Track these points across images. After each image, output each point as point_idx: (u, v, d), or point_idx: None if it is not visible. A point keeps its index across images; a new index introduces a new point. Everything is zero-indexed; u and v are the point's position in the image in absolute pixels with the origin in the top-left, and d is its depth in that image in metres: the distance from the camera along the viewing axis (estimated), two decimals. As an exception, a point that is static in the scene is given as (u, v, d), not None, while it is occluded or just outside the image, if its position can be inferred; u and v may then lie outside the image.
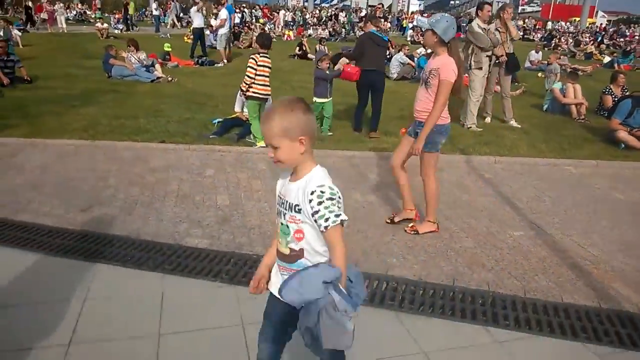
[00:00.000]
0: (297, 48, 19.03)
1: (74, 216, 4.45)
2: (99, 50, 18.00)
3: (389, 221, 4.53)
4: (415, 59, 14.29)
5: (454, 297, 3.43)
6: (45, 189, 5.02)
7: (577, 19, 51.20)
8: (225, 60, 15.87)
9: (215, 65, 15.44)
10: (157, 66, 12.33)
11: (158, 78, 11.62)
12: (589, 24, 49.01)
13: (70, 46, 19.19)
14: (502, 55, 8.27)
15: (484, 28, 8.06)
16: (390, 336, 3.01)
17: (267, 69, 6.53)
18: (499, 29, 8.25)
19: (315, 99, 7.28)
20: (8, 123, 7.16)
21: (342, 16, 37.48)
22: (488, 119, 8.72)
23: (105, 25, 24.67)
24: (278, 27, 32.88)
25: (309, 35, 32.17)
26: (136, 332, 2.89)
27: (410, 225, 4.38)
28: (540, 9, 73.45)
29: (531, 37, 34.98)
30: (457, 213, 4.87)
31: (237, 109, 7.67)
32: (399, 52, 14.06)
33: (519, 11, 73.50)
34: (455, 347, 2.93)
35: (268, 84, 6.55)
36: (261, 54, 6.57)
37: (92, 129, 7.04)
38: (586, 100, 9.57)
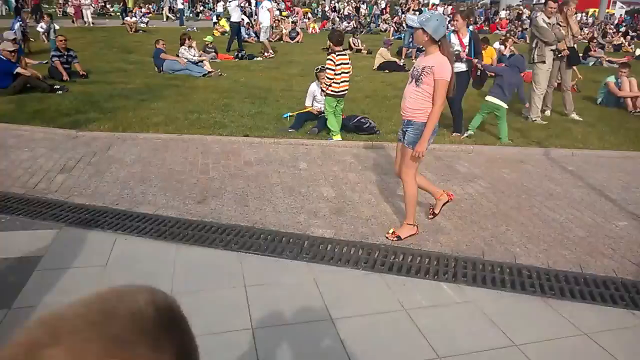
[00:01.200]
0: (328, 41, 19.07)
1: (193, 208, 4.63)
2: (133, 45, 18.36)
3: (431, 217, 4.47)
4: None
5: (587, 283, 3.58)
6: (154, 182, 5.20)
7: (596, 10, 50.63)
8: (271, 52, 15.97)
9: (255, 58, 15.55)
10: (206, 61, 12.47)
11: (209, 72, 11.77)
12: (607, 14, 48.56)
13: (105, 40, 19.39)
14: (564, 49, 8.34)
15: (549, 23, 8.13)
16: (547, 321, 3.15)
17: (346, 66, 6.62)
18: (559, 23, 8.30)
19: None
20: (88, 117, 7.36)
21: (363, 8, 37.49)
22: (548, 112, 8.80)
23: (135, 19, 24.90)
24: (300, 20, 32.92)
25: (333, 28, 32.29)
26: (311, 317, 3.06)
27: (391, 231, 4.17)
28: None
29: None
30: (557, 204, 4.99)
31: (307, 103, 7.79)
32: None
33: (534, 2, 73.17)
34: (614, 328, 3.07)
35: (347, 80, 6.64)
36: (337, 53, 6.68)
37: (172, 123, 7.22)
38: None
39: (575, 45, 8.69)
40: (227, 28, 24.81)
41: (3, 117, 7.34)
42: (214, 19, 30.65)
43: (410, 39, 17.04)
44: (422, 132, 3.83)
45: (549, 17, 8.19)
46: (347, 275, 3.57)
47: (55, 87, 9.21)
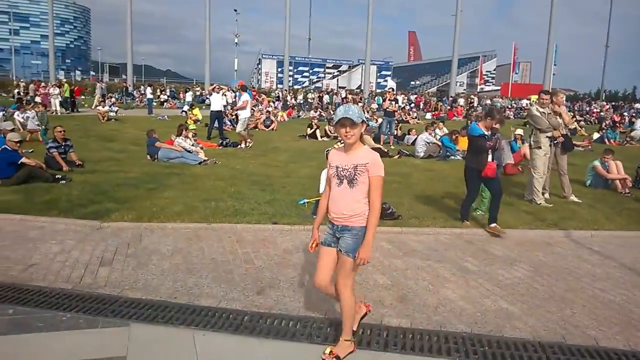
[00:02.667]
0: (309, 129, 19.61)
1: (255, 299, 4.50)
2: (110, 133, 18.36)
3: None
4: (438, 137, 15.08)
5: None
6: (202, 273, 5.05)
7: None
8: (249, 142, 15.91)
9: (239, 146, 15.67)
10: (199, 148, 12.56)
11: (205, 160, 11.80)
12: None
13: (79, 129, 19.21)
14: (559, 137, 8.92)
15: (543, 112, 8.74)
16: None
17: None
18: (552, 112, 8.93)
19: None
20: (106, 207, 7.18)
21: (326, 98, 39.12)
22: (547, 195, 9.22)
23: (106, 108, 25.00)
24: (265, 108, 33.86)
25: (298, 116, 33.38)
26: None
27: (329, 351, 3.53)
28: (499, 87, 78.46)
29: (506, 115, 37.39)
30: (605, 286, 5.13)
31: (322, 190, 7.88)
32: (424, 132, 14.86)
33: (478, 90, 78.56)
34: None
35: None
36: None
37: (193, 212, 7.12)
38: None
39: (568, 133, 9.32)
40: (200, 116, 25.32)
41: (14, 208, 7.10)
42: (185, 108, 31.18)
43: (388, 127, 17.84)
44: (362, 238, 3.35)
45: (542, 107, 8.81)
46: (447, 365, 3.50)
47: (57, 177, 9.00)
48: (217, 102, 17.77)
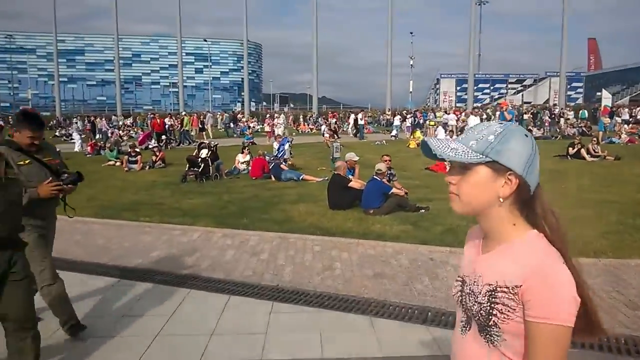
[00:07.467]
0: (570, 148, 18.10)
1: None
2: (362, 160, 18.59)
3: None
4: None
5: None
6: None
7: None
8: None
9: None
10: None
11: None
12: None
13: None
14: None
15: None
16: None
17: None
18: None
19: None
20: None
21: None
22: None
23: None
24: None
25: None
26: None
27: None
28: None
29: None
30: None
31: None
32: None
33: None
34: None
35: None
36: None
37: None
38: None
39: None
40: (421, 139, 25.19)
41: (428, 239, 7.14)
42: (393, 132, 31.39)
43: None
44: None
45: None
46: None
47: (418, 205, 9.02)
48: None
